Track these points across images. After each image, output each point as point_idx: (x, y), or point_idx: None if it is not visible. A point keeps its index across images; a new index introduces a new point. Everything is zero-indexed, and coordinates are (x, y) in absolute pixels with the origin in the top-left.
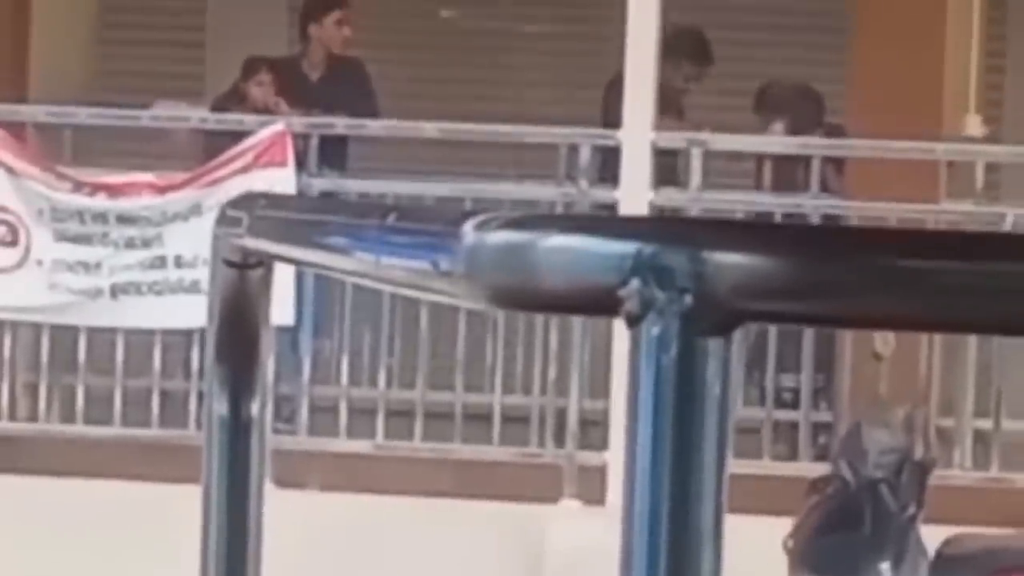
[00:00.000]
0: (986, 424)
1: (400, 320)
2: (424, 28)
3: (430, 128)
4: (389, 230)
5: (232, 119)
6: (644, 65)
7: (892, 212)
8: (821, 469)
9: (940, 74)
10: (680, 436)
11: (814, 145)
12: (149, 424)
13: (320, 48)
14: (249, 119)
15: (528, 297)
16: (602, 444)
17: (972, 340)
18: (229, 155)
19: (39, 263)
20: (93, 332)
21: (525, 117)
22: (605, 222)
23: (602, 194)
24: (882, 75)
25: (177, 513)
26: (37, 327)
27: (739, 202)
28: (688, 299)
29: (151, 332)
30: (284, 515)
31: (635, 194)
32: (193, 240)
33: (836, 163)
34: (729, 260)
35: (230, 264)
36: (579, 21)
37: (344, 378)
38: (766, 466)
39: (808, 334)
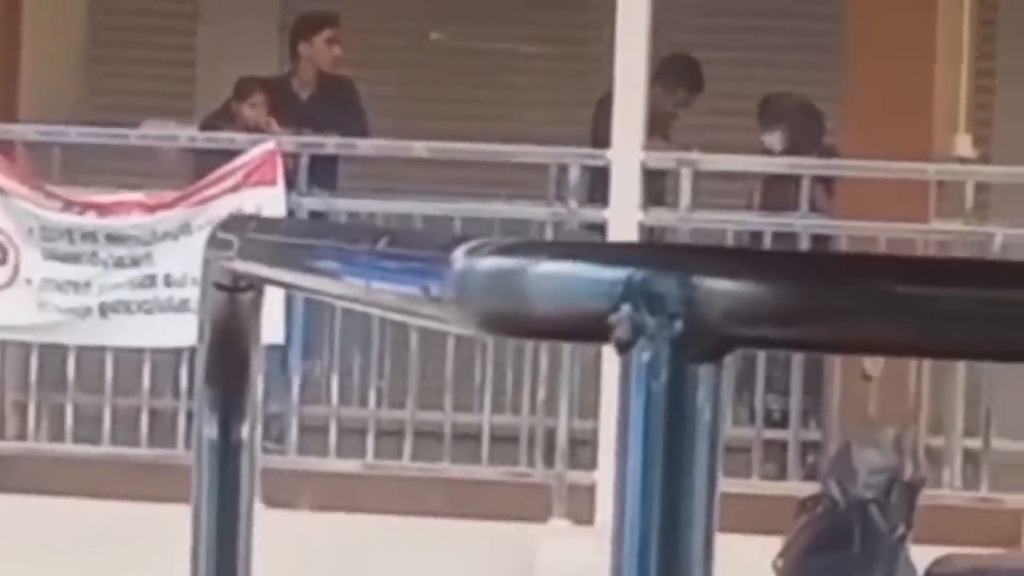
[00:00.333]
0: (976, 444)
1: (390, 340)
2: (414, 47)
3: (420, 147)
4: (380, 255)
5: (223, 138)
6: (633, 85)
7: (882, 231)
8: (810, 489)
9: (930, 94)
10: (671, 462)
11: (804, 165)
12: (138, 443)
13: (310, 67)
14: (239, 138)
15: (519, 323)
16: (591, 464)
17: (962, 361)
18: (219, 174)
19: (28, 282)
20: (82, 351)
21: (515, 137)
22: (595, 248)
23: (591, 214)
24: (873, 95)
25: (166, 532)
26: (26, 346)
27: (729, 222)
28: (679, 325)
29: (140, 351)
30: (274, 535)
31: (624, 214)
32: (182, 259)
33: (825, 183)
34: (720, 286)
35: (220, 287)
36: (568, 42)
37: (334, 397)
38: (755, 485)
39: (797, 354)
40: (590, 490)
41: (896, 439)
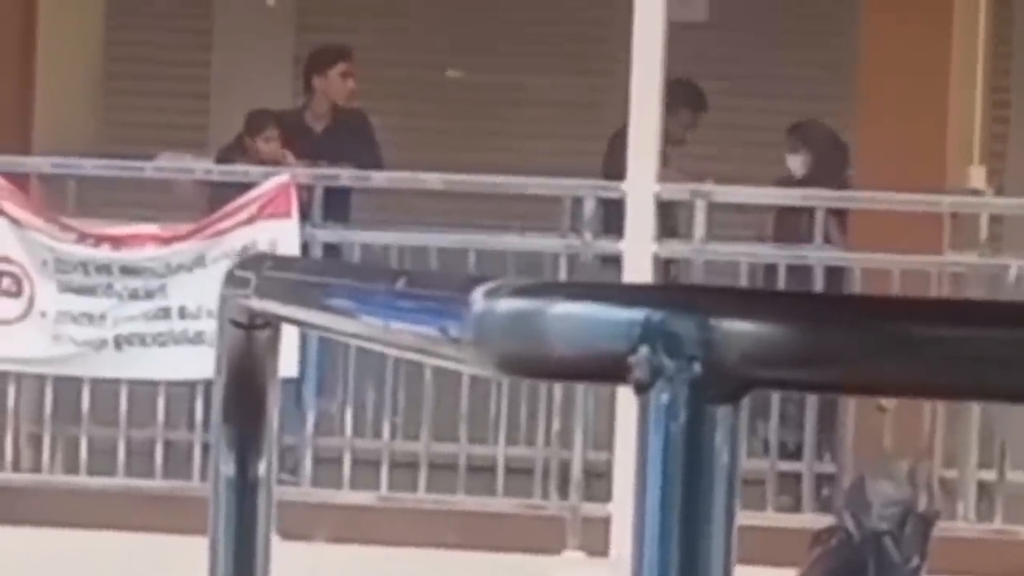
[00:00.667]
0: (990, 476)
1: (404, 372)
2: (428, 80)
3: (434, 179)
4: (398, 295)
5: (237, 171)
6: (648, 117)
7: (896, 264)
8: (825, 521)
9: (944, 125)
10: (689, 504)
11: (818, 197)
12: (153, 475)
13: (324, 100)
14: (254, 170)
15: (537, 365)
16: (606, 496)
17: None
18: (233, 206)
19: (43, 314)
20: (97, 383)
21: (528, 169)
22: (613, 290)
23: (606, 245)
24: (887, 127)
25: (182, 565)
26: (41, 378)
27: (743, 254)
28: (697, 367)
29: (155, 383)
30: (288, 567)
31: (639, 246)
32: (197, 291)
33: (838, 215)
34: (738, 328)
35: (237, 325)
36: (583, 74)
37: (348, 429)
38: (770, 518)
39: None
40: (604, 522)
41: (910, 471)
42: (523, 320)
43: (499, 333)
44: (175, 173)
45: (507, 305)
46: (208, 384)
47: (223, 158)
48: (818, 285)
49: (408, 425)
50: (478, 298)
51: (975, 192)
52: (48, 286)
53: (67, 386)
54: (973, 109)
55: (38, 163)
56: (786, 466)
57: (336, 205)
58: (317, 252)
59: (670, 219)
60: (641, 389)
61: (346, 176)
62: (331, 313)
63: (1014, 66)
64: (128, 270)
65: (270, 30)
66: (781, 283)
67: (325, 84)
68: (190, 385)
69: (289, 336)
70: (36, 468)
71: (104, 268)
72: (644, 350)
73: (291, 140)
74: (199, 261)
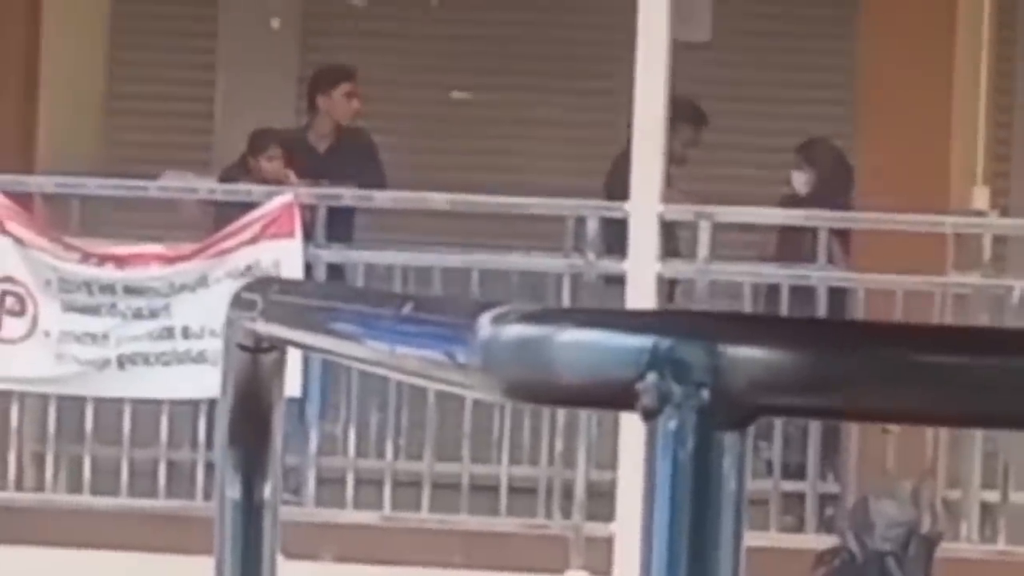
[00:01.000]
0: (993, 497)
1: (408, 392)
2: (431, 101)
3: (438, 199)
4: (404, 320)
5: (240, 190)
6: (652, 137)
7: (899, 284)
8: (828, 541)
9: (947, 146)
10: (696, 530)
11: (822, 217)
12: (156, 495)
13: (328, 120)
14: (257, 190)
15: (544, 391)
16: (609, 515)
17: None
18: (237, 226)
19: (47, 334)
20: (100, 402)
21: (531, 190)
22: (621, 316)
23: (609, 265)
24: (890, 148)
25: None
26: (44, 397)
27: (746, 273)
28: (705, 393)
29: (158, 402)
30: None
31: (642, 266)
32: (200, 311)
33: (842, 235)
34: (746, 354)
35: (243, 348)
36: (586, 95)
37: (351, 449)
38: (773, 538)
39: None
40: (608, 542)
41: (914, 492)
42: (530, 346)
43: (506, 359)
44: (178, 193)
45: (514, 331)
46: (211, 404)
47: (226, 178)
48: (821, 305)
49: (411, 445)
50: (485, 324)
51: (978, 213)
52: (52, 306)
53: (70, 405)
54: (976, 130)
55: (42, 183)
56: (790, 486)
57: (339, 225)
58: (321, 272)
59: (673, 239)
60: (649, 416)
61: (349, 196)
62: (337, 337)
63: (1017, 86)
64: (131, 290)
65: (274, 50)
66: (784, 303)
67: (329, 104)
68: (193, 404)
69: (293, 356)
70: (40, 487)
71: (108, 288)
72: (652, 376)
73: (294, 160)
74: (202, 281)
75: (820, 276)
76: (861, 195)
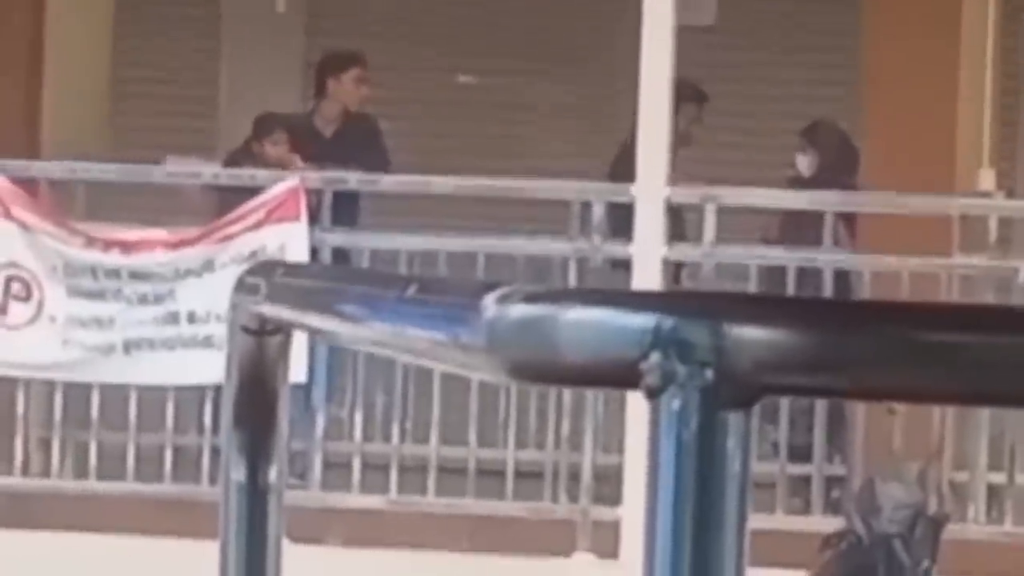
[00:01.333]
0: (1000, 479)
1: (414, 376)
2: (438, 85)
3: (443, 183)
4: (409, 301)
5: (245, 175)
6: (657, 121)
7: (905, 266)
8: (835, 524)
9: (953, 128)
10: (701, 509)
11: (828, 200)
12: (162, 480)
13: (336, 103)
14: (262, 175)
15: (548, 371)
16: (616, 499)
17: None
18: (242, 211)
19: (52, 319)
20: (106, 388)
21: (538, 173)
22: (625, 296)
23: (615, 249)
24: (896, 130)
25: (191, 569)
26: (50, 383)
27: (753, 257)
28: (709, 373)
29: (164, 388)
30: (298, 571)
31: (649, 249)
32: (206, 296)
33: (847, 217)
34: (750, 334)
35: (248, 331)
36: (592, 78)
37: (357, 433)
38: (780, 520)
39: None
40: (615, 525)
41: (920, 474)
42: (535, 326)
43: (511, 339)
44: (184, 178)
45: (519, 311)
46: (217, 388)
47: (232, 162)
48: (827, 288)
49: (417, 429)
50: (490, 304)
51: (984, 195)
52: (57, 291)
53: (76, 391)
54: (982, 111)
55: (47, 168)
56: (796, 469)
57: (345, 209)
58: (326, 256)
59: (680, 222)
60: (653, 395)
61: (355, 180)
62: (342, 319)
63: (1023, 67)
64: (137, 275)
65: (279, 35)
66: (790, 286)
67: (339, 87)
68: (199, 389)
69: (298, 340)
70: (46, 473)
71: (113, 273)
72: (656, 356)
73: (300, 144)
74: (208, 266)
75: (826, 259)
76: (867, 177)
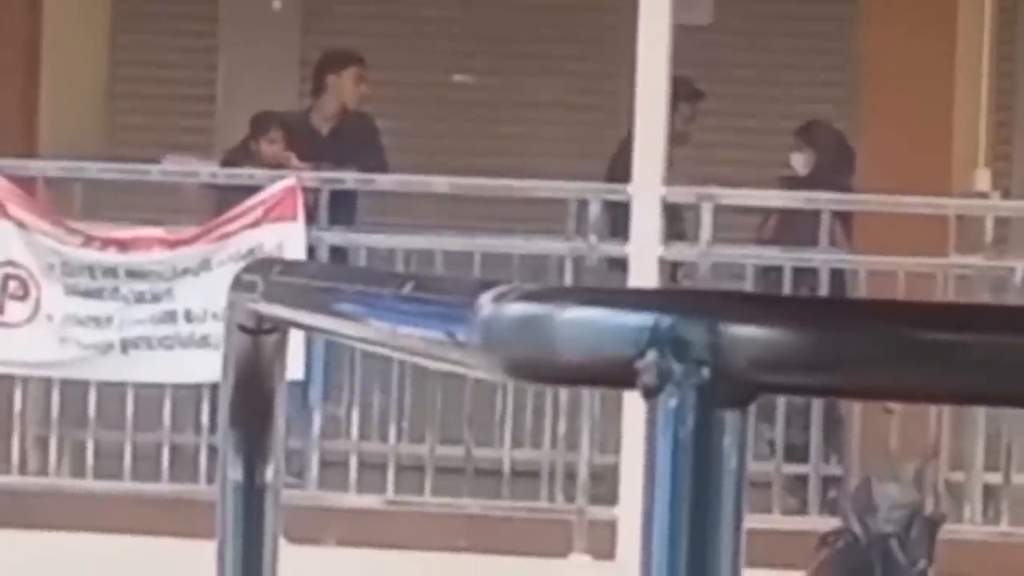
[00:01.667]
0: (996, 479)
1: (410, 375)
2: (434, 84)
3: (440, 182)
4: (405, 300)
5: (243, 174)
6: (654, 120)
7: (901, 266)
8: (831, 523)
9: (949, 128)
10: (697, 508)
11: (824, 200)
12: (159, 479)
13: (334, 101)
14: (260, 174)
15: (545, 369)
16: (612, 499)
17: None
18: (239, 210)
19: (49, 318)
20: (103, 387)
21: (535, 172)
22: (621, 294)
23: (612, 249)
24: (892, 130)
25: (188, 568)
26: (47, 381)
27: (749, 256)
28: (705, 372)
29: (161, 386)
30: (295, 571)
31: (645, 249)
32: (203, 295)
33: (842, 218)
34: (746, 333)
35: (244, 329)
36: (588, 78)
37: (354, 433)
38: (776, 520)
39: None
40: (611, 525)
41: (917, 474)
42: (531, 324)
43: (507, 337)
44: (181, 176)
45: (515, 309)
46: (214, 387)
47: (229, 161)
48: (823, 287)
49: (414, 428)
50: (486, 302)
51: (980, 195)
52: (54, 289)
53: (73, 389)
54: (978, 112)
55: (44, 166)
56: (793, 468)
57: (342, 208)
58: (323, 255)
59: (678, 221)
60: (649, 394)
61: (352, 179)
62: (338, 317)
63: (1019, 68)
64: (134, 273)
65: (276, 34)
66: (786, 286)
67: (338, 84)
68: (196, 388)
69: (295, 339)
70: (43, 471)
71: (110, 271)
72: (652, 355)
73: (297, 142)
74: (205, 264)
75: (822, 258)
76: (863, 177)
